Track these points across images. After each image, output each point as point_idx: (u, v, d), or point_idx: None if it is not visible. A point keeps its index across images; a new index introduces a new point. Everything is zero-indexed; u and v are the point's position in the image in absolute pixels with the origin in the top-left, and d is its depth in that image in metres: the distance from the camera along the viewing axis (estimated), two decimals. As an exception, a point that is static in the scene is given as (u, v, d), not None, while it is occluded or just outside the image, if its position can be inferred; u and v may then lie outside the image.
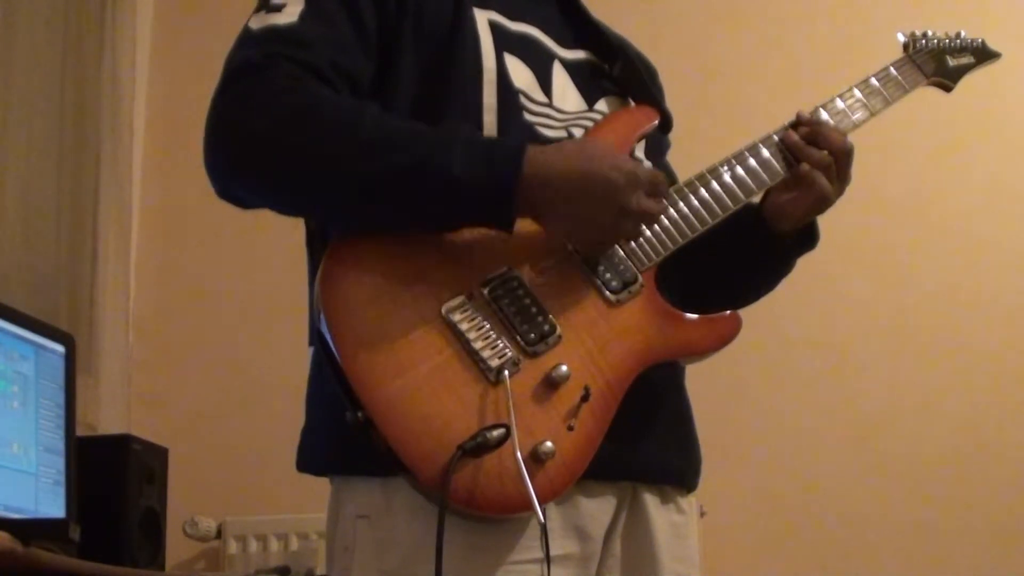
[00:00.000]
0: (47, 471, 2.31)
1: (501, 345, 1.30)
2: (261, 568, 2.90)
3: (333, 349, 1.26)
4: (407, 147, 1.29)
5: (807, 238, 1.57)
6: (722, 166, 1.50)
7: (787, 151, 1.51)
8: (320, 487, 1.45)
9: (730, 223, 1.49)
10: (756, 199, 1.54)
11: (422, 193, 1.28)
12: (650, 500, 1.44)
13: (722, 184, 1.48)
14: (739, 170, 1.50)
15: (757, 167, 1.51)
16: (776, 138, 1.52)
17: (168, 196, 3.38)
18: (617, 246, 1.39)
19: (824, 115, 1.56)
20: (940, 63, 1.69)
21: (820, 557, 3.03)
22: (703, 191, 1.47)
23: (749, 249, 1.55)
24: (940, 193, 3.26)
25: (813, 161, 1.50)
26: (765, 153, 1.51)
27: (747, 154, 1.51)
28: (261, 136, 1.30)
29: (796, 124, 1.53)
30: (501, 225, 1.31)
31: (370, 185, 1.29)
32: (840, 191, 1.53)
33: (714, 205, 1.47)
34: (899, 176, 3.25)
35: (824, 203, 1.52)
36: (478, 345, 1.29)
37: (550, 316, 1.33)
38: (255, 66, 1.33)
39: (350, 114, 1.31)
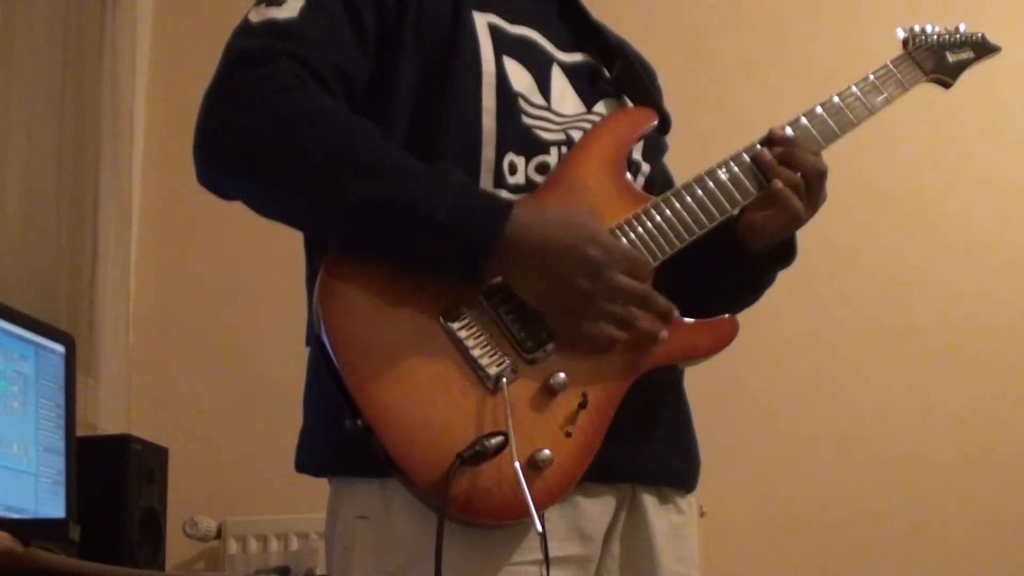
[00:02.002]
0: (47, 471, 2.31)
1: (499, 353, 1.29)
2: (261, 568, 2.91)
3: (332, 357, 1.25)
4: (396, 180, 1.28)
5: (784, 255, 1.54)
6: (722, 166, 1.47)
7: (759, 170, 1.47)
8: (320, 487, 1.45)
9: (705, 239, 1.46)
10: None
11: (400, 229, 1.27)
12: (649, 501, 1.44)
13: (725, 182, 1.46)
14: (737, 169, 1.47)
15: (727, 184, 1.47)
16: (747, 157, 1.48)
17: (168, 196, 3.38)
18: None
19: (790, 132, 1.51)
20: (939, 59, 1.67)
21: (820, 557, 3.03)
22: (701, 193, 1.45)
23: (725, 265, 1.52)
24: (940, 193, 3.26)
25: (785, 181, 1.46)
26: (736, 170, 1.47)
27: (718, 171, 1.47)
28: (255, 132, 1.29)
29: (768, 142, 1.49)
30: (467, 278, 1.31)
31: (351, 208, 1.28)
32: (813, 211, 1.50)
33: (712, 208, 1.45)
34: (899, 176, 3.25)
35: (796, 223, 1.49)
36: (476, 353, 1.29)
37: (548, 323, 1.32)
38: (255, 58, 1.32)
39: (346, 131, 1.30)
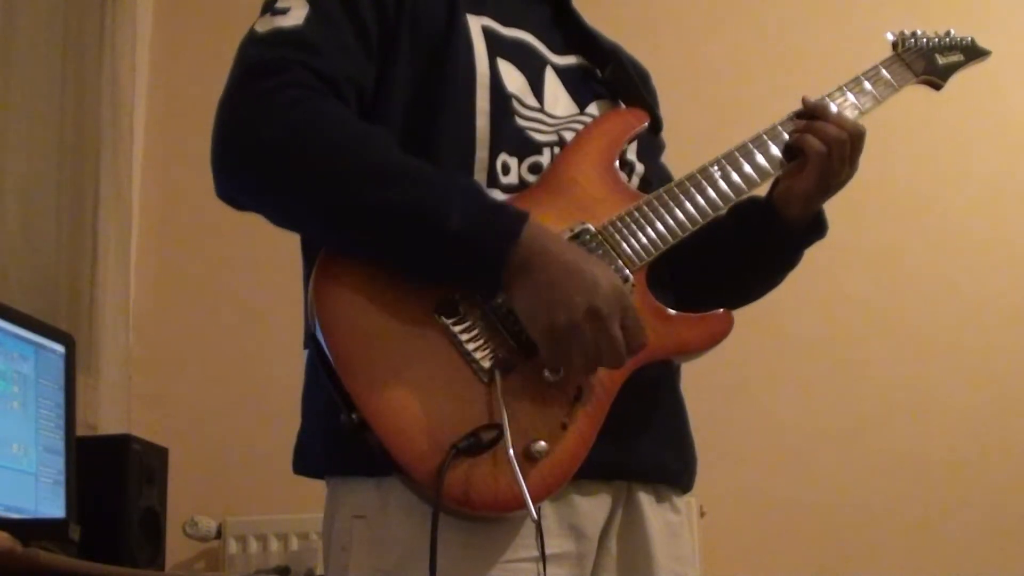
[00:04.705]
0: (47, 471, 2.31)
1: (493, 346, 1.30)
2: (261, 568, 2.91)
3: (326, 351, 1.26)
4: (409, 186, 1.28)
5: (815, 226, 1.56)
6: (714, 164, 1.49)
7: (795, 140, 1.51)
8: (320, 487, 1.45)
9: (736, 216, 1.49)
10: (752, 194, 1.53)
11: (413, 236, 1.28)
12: (645, 499, 1.44)
13: (719, 182, 1.48)
14: (732, 172, 1.49)
15: (756, 164, 1.50)
16: (782, 130, 1.52)
17: (168, 196, 3.39)
18: (610, 246, 1.39)
19: (833, 105, 1.55)
20: (929, 61, 1.69)
21: (820, 557, 3.03)
22: (694, 191, 1.46)
23: (757, 240, 1.54)
24: (940, 193, 3.26)
25: (823, 136, 1.48)
26: (773, 148, 1.51)
27: (751, 146, 1.50)
28: (270, 144, 1.30)
29: (803, 114, 1.53)
30: (486, 290, 1.30)
31: (363, 214, 1.28)
32: (850, 174, 1.52)
33: (705, 206, 1.46)
34: (899, 176, 3.25)
35: (831, 177, 1.50)
36: (470, 346, 1.29)
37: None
38: (265, 69, 1.33)
39: (359, 138, 1.31)
